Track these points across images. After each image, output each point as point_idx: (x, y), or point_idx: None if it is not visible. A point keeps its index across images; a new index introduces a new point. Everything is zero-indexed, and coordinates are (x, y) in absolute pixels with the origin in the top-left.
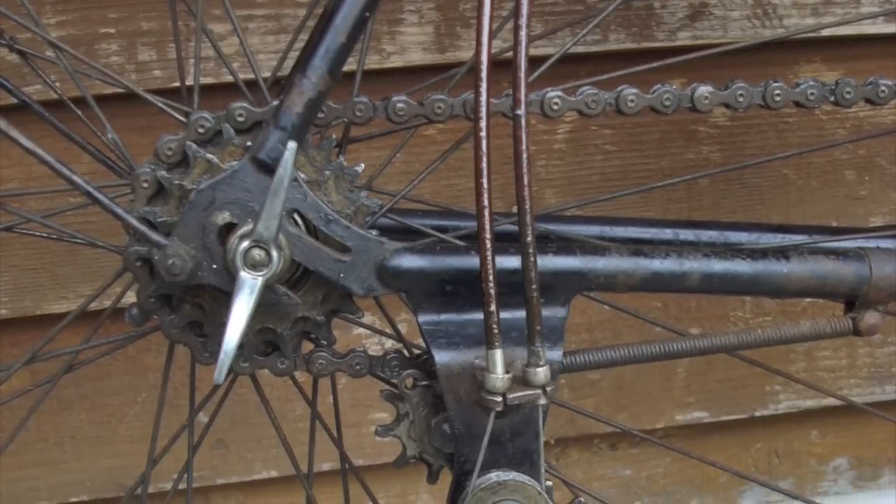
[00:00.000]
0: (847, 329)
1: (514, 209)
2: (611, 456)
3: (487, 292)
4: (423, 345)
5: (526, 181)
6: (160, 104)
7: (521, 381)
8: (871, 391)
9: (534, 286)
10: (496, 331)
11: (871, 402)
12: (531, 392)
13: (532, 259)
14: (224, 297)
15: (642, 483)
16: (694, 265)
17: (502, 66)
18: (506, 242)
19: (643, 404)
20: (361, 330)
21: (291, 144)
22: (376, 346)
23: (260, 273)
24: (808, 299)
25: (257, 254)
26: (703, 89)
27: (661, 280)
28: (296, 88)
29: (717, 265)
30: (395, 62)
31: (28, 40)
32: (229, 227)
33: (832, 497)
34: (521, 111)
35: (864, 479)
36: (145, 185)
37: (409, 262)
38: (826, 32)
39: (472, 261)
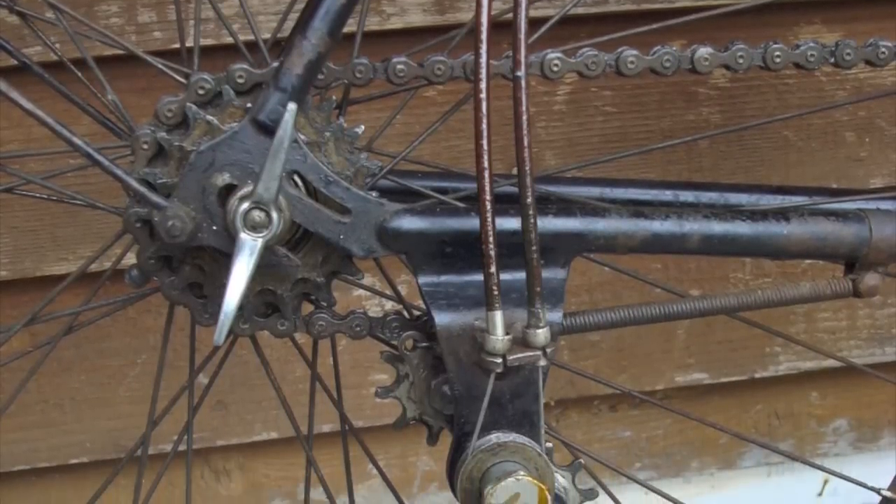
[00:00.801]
0: (847, 290)
1: (514, 171)
2: (611, 417)
3: (487, 254)
4: (423, 306)
5: (526, 143)
6: (160, 66)
7: (521, 342)
8: (871, 352)
9: (534, 248)
10: (496, 292)
11: (871, 363)
12: (531, 353)
13: (532, 220)
14: (224, 258)
15: (642, 444)
16: (694, 227)
17: (502, 28)
18: (506, 204)
19: (643, 366)
20: (361, 291)
21: (291, 106)
22: (376, 307)
23: (260, 234)
24: (808, 261)
25: (257, 215)
26: (703, 51)
27: (661, 241)
28: (296, 50)
29: (717, 227)
30: (395, 24)
31: (28, 1)
32: (229, 189)
33: (832, 458)
34: (521, 72)
35: (864, 440)
36: (145, 146)
37: (409, 223)
38: None
39: (472, 222)
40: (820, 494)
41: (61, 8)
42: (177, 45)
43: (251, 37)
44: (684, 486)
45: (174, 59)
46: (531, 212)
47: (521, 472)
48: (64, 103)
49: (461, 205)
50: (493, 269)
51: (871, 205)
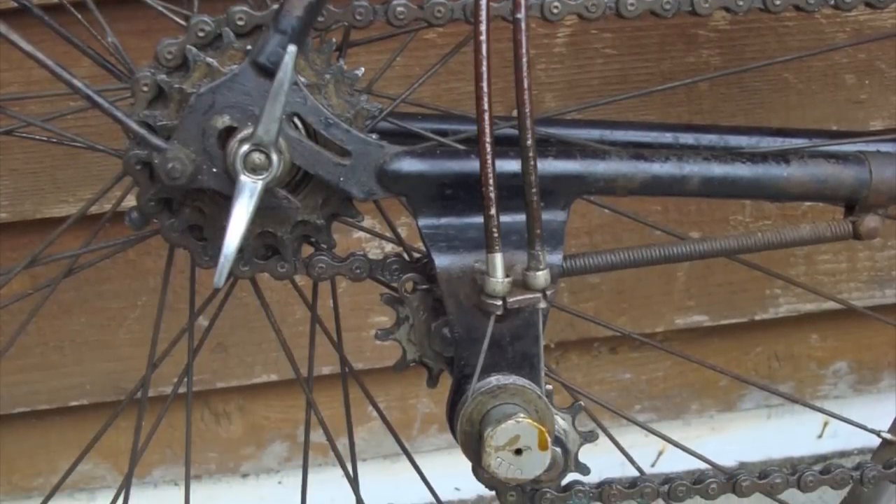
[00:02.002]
0: (847, 233)
1: (514, 113)
2: (611, 359)
3: (487, 196)
4: (423, 248)
5: (526, 85)
6: (160, 8)
7: (521, 284)
8: (870, 295)
9: (534, 190)
10: (496, 234)
11: (871, 305)
12: (531, 296)
13: (532, 163)
14: (224, 200)
15: (642, 387)
16: (694, 169)
17: None
18: (506, 146)
19: (643, 308)
20: (361, 234)
21: (291, 48)
22: (376, 249)
23: (260, 177)
24: (808, 203)
25: (257, 157)
26: None
27: (661, 184)
28: None
29: (717, 169)
30: None
31: None
32: (229, 131)
33: (832, 401)
34: (521, 14)
35: (863, 382)
36: (145, 88)
37: (409, 165)
38: None
39: (472, 164)
40: (820, 436)
41: None
42: None
43: None
44: (684, 429)
45: (174, 2)
46: (531, 154)
47: (521, 415)
48: (64, 45)
49: (461, 147)
50: (493, 211)
51: (871, 147)
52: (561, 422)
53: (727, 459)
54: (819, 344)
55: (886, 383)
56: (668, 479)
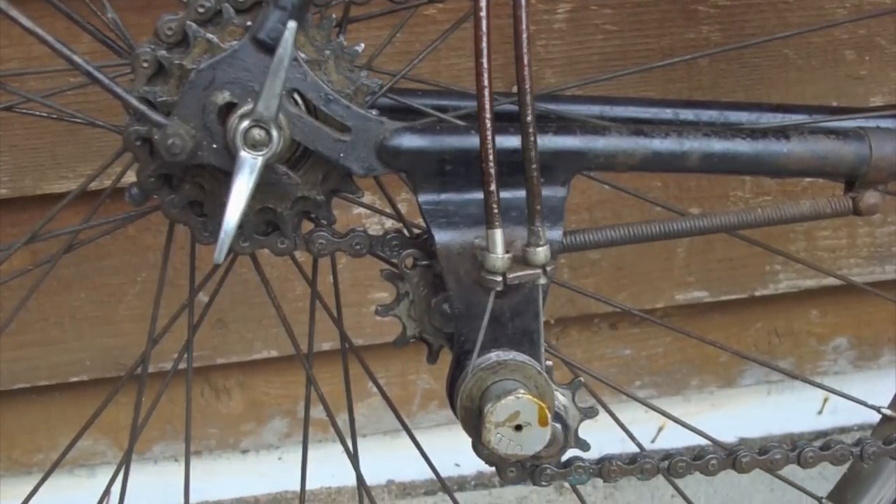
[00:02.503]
0: (847, 209)
1: (514, 89)
2: (611, 335)
3: (487, 172)
4: (423, 224)
5: (526, 61)
6: None
7: (521, 260)
8: (871, 271)
9: (534, 166)
10: (496, 210)
11: (871, 281)
12: (531, 272)
13: (532, 138)
14: (224, 176)
15: (642, 363)
16: (694, 144)
17: None
18: (506, 122)
19: (643, 284)
20: (361, 209)
21: (291, 24)
22: (376, 225)
23: (260, 153)
24: (808, 179)
25: (257, 133)
26: None
27: (661, 160)
28: None
29: (717, 145)
30: None
31: None
32: (229, 107)
33: (832, 377)
34: None
35: (864, 358)
36: (145, 64)
37: (409, 141)
38: None
39: (472, 140)
40: (820, 412)
41: None
42: None
43: None
44: (684, 405)
45: None
46: (531, 130)
47: (521, 391)
48: (64, 21)
49: (461, 123)
50: (493, 187)
51: (872, 123)
52: (561, 398)
53: (727, 435)
54: (819, 320)
55: (886, 359)
56: (668, 455)
